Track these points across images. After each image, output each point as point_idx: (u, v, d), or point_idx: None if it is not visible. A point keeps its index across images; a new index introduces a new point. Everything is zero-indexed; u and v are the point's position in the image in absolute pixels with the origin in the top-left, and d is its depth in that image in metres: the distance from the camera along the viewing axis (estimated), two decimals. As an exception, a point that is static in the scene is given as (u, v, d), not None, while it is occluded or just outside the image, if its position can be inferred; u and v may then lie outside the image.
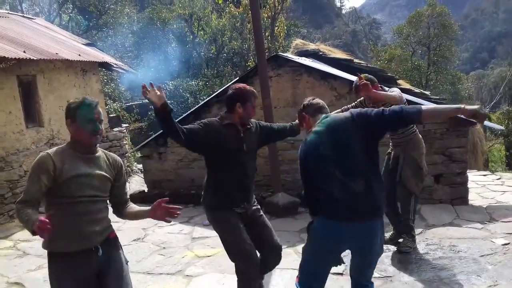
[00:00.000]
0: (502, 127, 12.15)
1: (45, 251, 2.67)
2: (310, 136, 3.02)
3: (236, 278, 3.52)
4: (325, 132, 2.94)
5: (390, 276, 4.44)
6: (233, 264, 3.50)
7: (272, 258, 3.66)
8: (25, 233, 6.68)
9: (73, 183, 2.58)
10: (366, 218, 2.87)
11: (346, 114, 2.98)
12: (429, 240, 5.32)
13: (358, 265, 3.12)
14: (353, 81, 4.71)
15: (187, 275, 4.79)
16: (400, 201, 4.94)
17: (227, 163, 3.43)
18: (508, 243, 5.03)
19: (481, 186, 8.16)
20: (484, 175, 9.32)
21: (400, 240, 5.10)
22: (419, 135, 4.89)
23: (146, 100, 3.13)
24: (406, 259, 4.81)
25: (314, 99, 3.24)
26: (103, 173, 2.74)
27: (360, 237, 2.91)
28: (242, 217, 3.49)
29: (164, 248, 5.79)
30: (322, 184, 2.94)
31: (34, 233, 2.29)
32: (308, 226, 3.09)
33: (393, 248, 5.18)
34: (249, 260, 3.40)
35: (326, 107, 3.21)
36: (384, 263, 4.77)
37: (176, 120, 3.19)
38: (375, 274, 4.50)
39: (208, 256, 5.33)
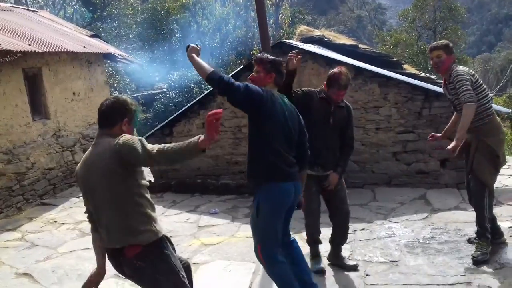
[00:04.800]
0: (509, 110, 12.05)
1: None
2: (278, 99, 3.40)
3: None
4: (287, 109, 3.42)
5: (396, 261, 4.45)
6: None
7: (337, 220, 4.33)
8: (33, 225, 6.76)
9: None
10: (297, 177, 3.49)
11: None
12: (435, 224, 5.33)
13: (285, 223, 3.52)
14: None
15: (194, 263, 4.82)
16: (474, 196, 4.38)
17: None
18: (514, 226, 5.03)
19: (488, 170, 8.11)
20: (491, 159, 9.27)
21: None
22: (497, 118, 4.36)
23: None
24: (412, 243, 4.83)
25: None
26: None
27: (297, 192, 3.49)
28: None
29: (171, 237, 5.70)
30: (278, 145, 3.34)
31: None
32: (258, 203, 3.35)
33: (398, 232, 5.20)
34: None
35: None
36: (390, 247, 4.79)
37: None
38: (380, 259, 4.54)
39: (215, 244, 5.37)
